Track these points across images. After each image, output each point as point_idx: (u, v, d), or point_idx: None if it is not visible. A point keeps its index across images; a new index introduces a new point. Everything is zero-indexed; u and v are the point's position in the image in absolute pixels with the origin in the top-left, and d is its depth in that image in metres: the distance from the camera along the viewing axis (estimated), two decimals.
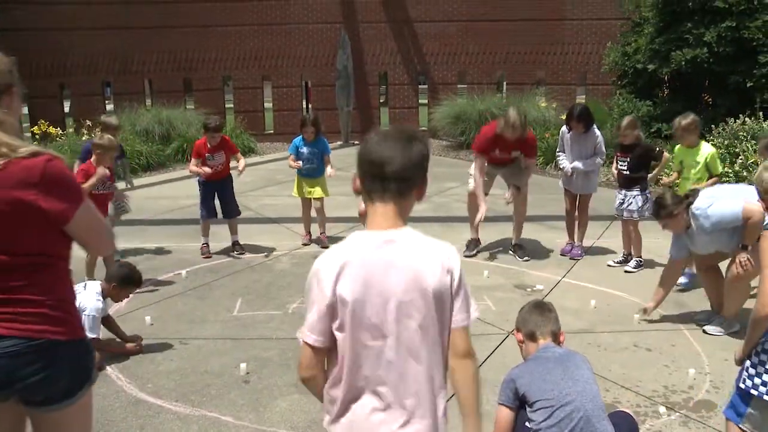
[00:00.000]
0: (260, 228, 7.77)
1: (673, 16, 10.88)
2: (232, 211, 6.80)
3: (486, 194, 6.54)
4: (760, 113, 9.93)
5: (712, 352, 4.44)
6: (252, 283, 5.85)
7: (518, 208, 6.63)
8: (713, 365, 4.25)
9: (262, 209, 8.72)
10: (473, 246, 6.73)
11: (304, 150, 6.78)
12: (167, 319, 5.07)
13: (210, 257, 6.67)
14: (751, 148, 8.98)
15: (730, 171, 8.76)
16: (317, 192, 6.91)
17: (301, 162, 6.78)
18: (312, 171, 6.87)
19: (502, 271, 6.12)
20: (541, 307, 3.00)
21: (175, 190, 10.04)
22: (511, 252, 6.69)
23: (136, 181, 10.88)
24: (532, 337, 2.88)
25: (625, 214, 6.12)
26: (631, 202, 6.06)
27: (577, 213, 6.67)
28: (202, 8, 14.99)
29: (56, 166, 1.99)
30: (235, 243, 6.83)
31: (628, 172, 6.08)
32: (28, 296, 2.00)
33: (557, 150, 6.78)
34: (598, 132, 6.42)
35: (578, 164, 6.37)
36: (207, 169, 6.50)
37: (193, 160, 6.63)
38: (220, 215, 6.87)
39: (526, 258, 6.50)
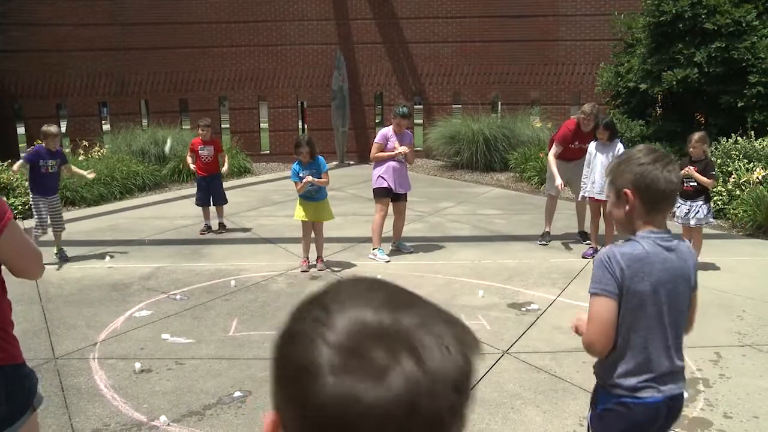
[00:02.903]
0: (256, 248, 7.78)
1: (664, 37, 11.02)
2: (219, 201, 8.56)
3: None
4: (752, 132, 10.04)
5: (706, 369, 4.45)
6: (248, 303, 5.86)
7: (580, 206, 7.76)
8: (708, 383, 4.27)
9: (258, 229, 8.74)
10: (547, 237, 7.80)
11: (305, 173, 6.67)
12: (163, 339, 5.06)
13: (204, 234, 8.32)
14: (743, 167, 9.07)
15: (723, 189, 8.83)
16: (322, 216, 6.83)
17: (309, 177, 6.58)
18: (314, 193, 6.72)
19: (497, 291, 6.15)
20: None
21: (171, 211, 10.05)
22: (577, 237, 7.90)
23: (132, 202, 10.92)
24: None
25: (692, 222, 6.51)
26: (698, 211, 6.49)
27: (603, 221, 7.16)
28: (198, 29, 15.12)
29: None
30: (221, 224, 8.56)
31: (696, 184, 6.47)
32: None
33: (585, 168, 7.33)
34: (621, 145, 7.06)
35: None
36: (192, 165, 8.52)
37: (188, 156, 8.64)
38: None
39: (587, 242, 7.55)
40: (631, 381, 2.15)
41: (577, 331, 2.28)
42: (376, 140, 7.27)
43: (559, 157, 7.52)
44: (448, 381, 0.63)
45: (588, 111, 7.29)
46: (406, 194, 7.39)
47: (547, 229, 7.85)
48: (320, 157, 6.79)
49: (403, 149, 7.07)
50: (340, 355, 0.63)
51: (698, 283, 2.25)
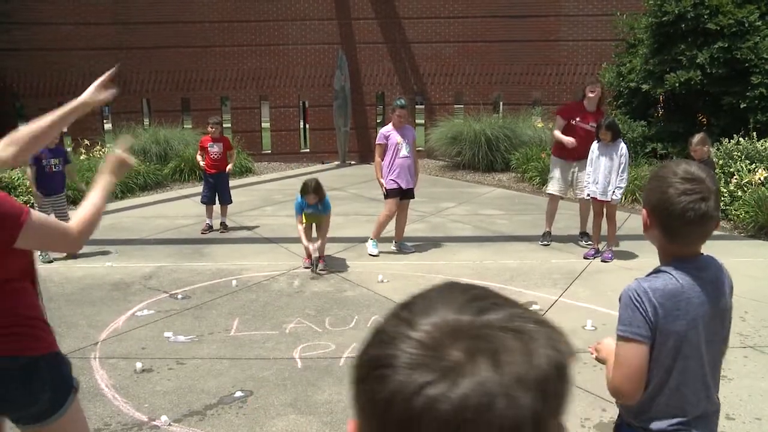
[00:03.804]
0: (258, 248, 7.78)
1: (666, 37, 11.00)
2: (225, 200, 8.67)
3: (563, 197, 7.93)
4: (754, 133, 10.02)
5: None
6: (249, 302, 5.85)
7: (584, 206, 7.69)
8: None
9: (259, 229, 8.74)
10: (548, 237, 7.77)
11: (309, 211, 6.68)
12: (164, 339, 5.06)
13: (206, 233, 8.37)
14: (745, 168, 9.06)
15: (725, 190, 8.82)
16: (321, 218, 6.82)
17: (317, 262, 6.73)
18: (318, 209, 6.79)
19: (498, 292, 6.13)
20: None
21: (173, 210, 10.05)
22: (579, 239, 7.82)
23: (134, 201, 10.92)
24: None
25: None
26: None
27: (605, 220, 7.14)
28: (201, 28, 15.12)
29: None
30: (223, 223, 8.64)
31: None
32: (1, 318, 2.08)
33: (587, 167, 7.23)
34: (624, 145, 6.99)
35: (617, 195, 6.98)
36: (201, 163, 8.70)
37: (198, 154, 8.87)
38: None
39: (589, 243, 7.50)
40: (661, 425, 1.92)
41: (596, 355, 2.06)
42: (377, 141, 7.32)
43: (560, 155, 7.57)
44: (530, 386, 0.59)
45: (595, 81, 7.41)
46: (413, 192, 7.41)
47: (547, 230, 7.83)
48: (327, 199, 6.75)
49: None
50: (416, 350, 0.61)
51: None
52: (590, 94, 7.34)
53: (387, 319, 0.68)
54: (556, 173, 7.67)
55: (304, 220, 6.70)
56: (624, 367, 1.85)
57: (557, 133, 7.48)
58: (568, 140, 7.27)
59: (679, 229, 1.84)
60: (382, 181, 7.22)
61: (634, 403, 1.92)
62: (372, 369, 0.63)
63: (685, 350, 1.86)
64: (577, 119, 7.41)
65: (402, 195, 7.27)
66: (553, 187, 7.72)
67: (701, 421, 1.94)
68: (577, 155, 7.44)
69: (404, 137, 7.16)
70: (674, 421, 1.91)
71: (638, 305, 1.82)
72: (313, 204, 6.62)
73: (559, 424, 0.64)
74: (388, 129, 7.24)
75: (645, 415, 1.93)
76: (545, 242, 7.74)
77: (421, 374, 0.59)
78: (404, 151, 7.14)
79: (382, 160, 7.22)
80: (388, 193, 7.24)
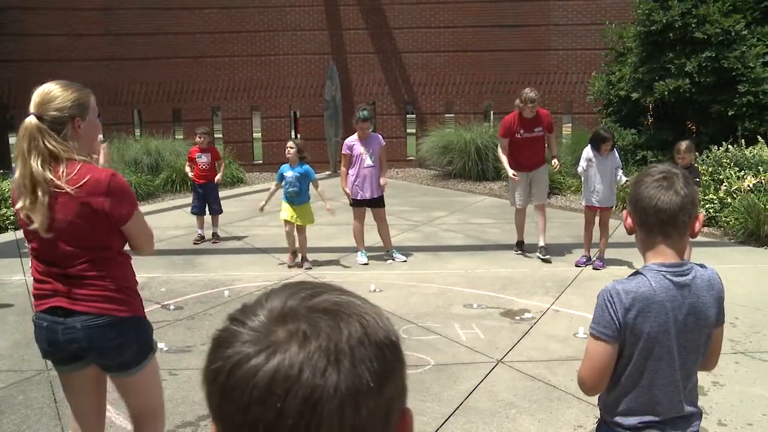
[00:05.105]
0: (249, 258, 7.77)
1: (654, 46, 11.10)
2: (215, 210, 8.67)
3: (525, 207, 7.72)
4: (743, 140, 10.11)
5: (700, 377, 4.44)
6: None
7: (540, 220, 7.57)
8: (702, 390, 4.27)
9: (250, 239, 8.74)
10: (522, 246, 7.78)
11: (288, 174, 6.98)
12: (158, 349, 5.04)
13: (198, 244, 8.37)
14: (734, 175, 9.13)
15: (715, 198, 8.88)
16: (303, 220, 7.06)
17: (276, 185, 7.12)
18: (295, 196, 6.99)
19: (491, 300, 6.15)
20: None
21: (164, 221, 10.02)
22: (538, 255, 7.44)
23: None
24: None
25: None
26: None
27: (598, 228, 7.15)
28: (192, 39, 15.13)
29: (119, 180, 2.52)
30: (214, 234, 8.65)
31: None
32: (100, 282, 2.53)
33: (580, 167, 7.19)
34: (615, 150, 7.18)
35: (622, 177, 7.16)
36: (190, 174, 8.66)
37: (187, 165, 8.77)
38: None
39: (547, 257, 7.34)
40: (632, 420, 1.99)
41: None
42: (342, 152, 7.41)
43: (516, 168, 7.45)
44: (337, 361, 0.66)
45: (534, 96, 7.20)
46: (383, 200, 7.42)
47: (520, 239, 7.85)
48: (308, 165, 7.09)
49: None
50: (248, 331, 0.70)
51: (724, 317, 2.07)
52: (528, 114, 7.28)
53: (238, 309, 0.76)
54: (514, 186, 7.61)
55: (285, 210, 6.95)
56: (589, 361, 1.98)
57: (505, 165, 7.49)
58: (512, 177, 7.35)
59: (651, 217, 1.91)
60: (347, 190, 7.30)
61: (594, 395, 2.06)
62: (213, 348, 0.73)
63: (657, 352, 1.93)
64: (521, 131, 7.35)
65: (370, 204, 7.31)
66: (515, 201, 7.70)
67: (675, 422, 2.00)
68: (531, 165, 7.47)
69: (369, 147, 7.21)
70: (645, 419, 1.98)
71: (609, 306, 1.92)
72: (294, 166, 6.90)
73: (386, 411, 0.69)
74: (352, 139, 7.31)
75: (616, 409, 2.02)
76: (520, 251, 7.77)
77: (244, 349, 0.68)
78: (368, 161, 7.19)
79: (348, 170, 7.27)
80: (353, 203, 7.32)
